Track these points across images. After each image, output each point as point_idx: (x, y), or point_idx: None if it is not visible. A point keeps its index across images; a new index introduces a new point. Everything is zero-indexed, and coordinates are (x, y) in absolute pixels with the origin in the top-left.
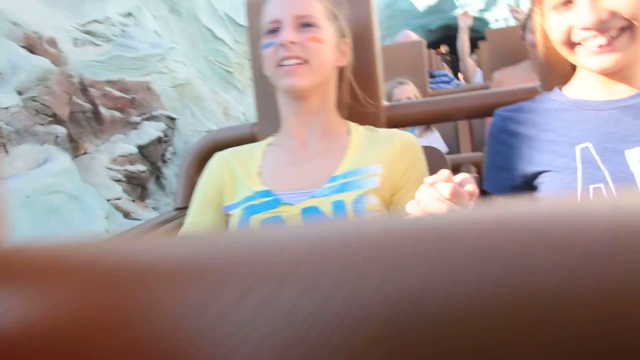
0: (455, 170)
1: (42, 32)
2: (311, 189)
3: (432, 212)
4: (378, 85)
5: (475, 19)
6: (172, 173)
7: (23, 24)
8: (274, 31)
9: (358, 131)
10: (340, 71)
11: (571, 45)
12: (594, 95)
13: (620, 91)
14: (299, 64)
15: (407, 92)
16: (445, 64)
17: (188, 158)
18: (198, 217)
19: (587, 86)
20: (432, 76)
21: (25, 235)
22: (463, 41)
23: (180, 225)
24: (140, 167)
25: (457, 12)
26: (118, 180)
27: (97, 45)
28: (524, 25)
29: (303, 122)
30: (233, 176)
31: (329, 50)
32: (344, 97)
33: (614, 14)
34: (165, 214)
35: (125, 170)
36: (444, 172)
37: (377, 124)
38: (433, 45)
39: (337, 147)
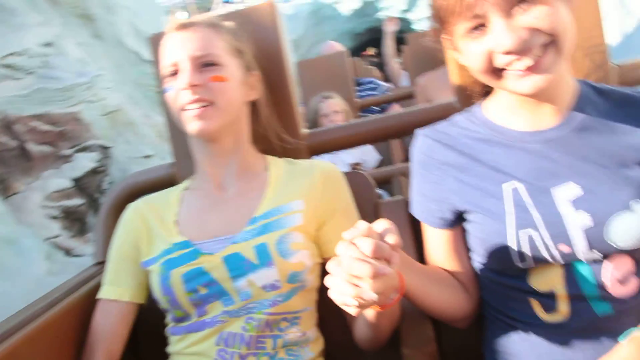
0: (387, 182)
1: None
2: (231, 234)
3: (355, 274)
4: (295, 113)
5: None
6: None
7: None
8: (173, 74)
9: (277, 166)
10: (253, 105)
11: (495, 72)
12: (518, 123)
13: (546, 117)
14: (204, 106)
15: (333, 105)
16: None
17: (105, 207)
18: (116, 276)
19: (509, 110)
20: (358, 84)
21: None
22: (388, 46)
23: (101, 283)
24: (77, 201)
25: (382, 14)
26: (55, 217)
27: (18, 79)
28: None
29: (217, 164)
30: (148, 228)
31: (235, 87)
32: (260, 130)
33: (534, 31)
34: (85, 271)
35: (62, 205)
36: (363, 226)
37: (299, 154)
38: (361, 47)
39: (255, 186)
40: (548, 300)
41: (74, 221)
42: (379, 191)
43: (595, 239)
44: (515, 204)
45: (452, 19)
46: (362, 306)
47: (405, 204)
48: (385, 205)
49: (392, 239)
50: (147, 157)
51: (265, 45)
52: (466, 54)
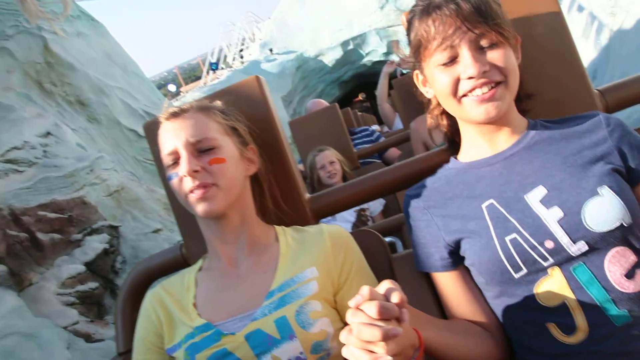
0: (398, 230)
1: None
2: (250, 310)
3: (366, 339)
4: (295, 179)
5: (381, 62)
6: None
7: None
8: (174, 162)
9: (286, 235)
10: (254, 177)
11: (458, 97)
12: (482, 153)
13: (503, 141)
14: (207, 188)
15: (328, 157)
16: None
17: (121, 296)
18: None
19: (473, 146)
20: (352, 134)
21: None
22: (382, 86)
23: None
24: (91, 285)
25: (365, 60)
26: (71, 304)
27: (21, 171)
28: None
29: (227, 240)
30: (169, 314)
31: (235, 165)
32: (265, 201)
33: (493, 67)
34: None
35: (77, 291)
36: (365, 290)
37: (304, 219)
38: (350, 95)
39: (267, 259)
40: (563, 317)
41: (91, 305)
42: (391, 239)
43: (573, 227)
44: (494, 217)
45: (430, 46)
46: None
47: None
48: (398, 260)
49: (397, 297)
50: (156, 231)
51: (257, 118)
52: (436, 81)
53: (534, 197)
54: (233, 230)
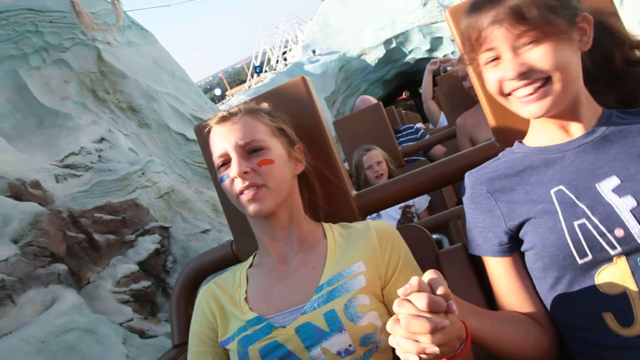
0: (444, 227)
1: (24, 177)
2: (300, 304)
3: (413, 331)
4: (342, 177)
5: (424, 60)
6: None
7: (5, 174)
8: (225, 163)
9: (333, 232)
10: (302, 176)
11: (504, 96)
12: (553, 139)
13: (575, 130)
14: (257, 189)
15: (375, 156)
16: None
17: (175, 292)
18: (198, 358)
19: (544, 132)
20: (397, 132)
21: None
22: (426, 83)
23: None
24: (144, 283)
25: (409, 58)
26: (126, 302)
27: (78, 176)
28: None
29: (277, 238)
30: (222, 309)
31: (283, 166)
32: (313, 199)
33: (532, 67)
34: (164, 356)
35: (131, 289)
36: (415, 281)
37: (351, 215)
38: (393, 94)
39: (316, 255)
40: (622, 307)
41: (144, 303)
42: (437, 236)
43: None
44: (562, 202)
45: (476, 45)
46: None
47: (465, 249)
48: (445, 255)
49: (442, 289)
50: (205, 231)
51: (304, 117)
52: (485, 79)
53: (606, 186)
54: (282, 228)
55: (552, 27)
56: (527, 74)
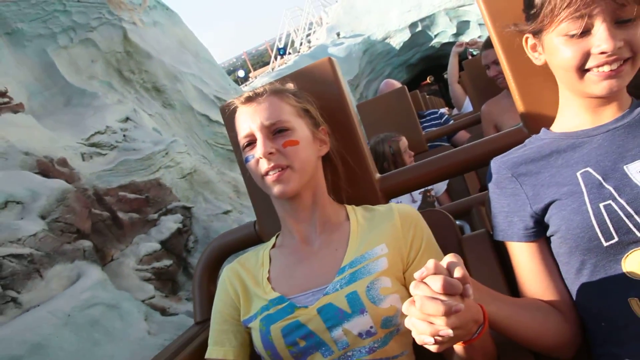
0: (467, 213)
1: (52, 155)
2: (322, 286)
3: (428, 312)
4: (366, 160)
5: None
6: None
7: (34, 151)
8: (250, 144)
9: (356, 214)
10: (326, 157)
11: (582, 71)
12: (582, 124)
13: (607, 116)
14: (282, 170)
15: (406, 141)
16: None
17: (199, 270)
18: (220, 336)
19: (574, 117)
20: (421, 117)
21: (72, 353)
22: (452, 66)
23: (204, 342)
24: (166, 262)
25: (434, 42)
26: (148, 279)
27: (104, 154)
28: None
29: (300, 219)
30: (245, 288)
31: (308, 147)
32: (336, 181)
33: (626, 44)
34: (187, 332)
35: (153, 267)
36: (431, 264)
37: (374, 198)
38: (417, 78)
39: (339, 237)
40: None
41: (166, 281)
42: (459, 222)
43: None
44: (588, 184)
45: (561, 13)
46: (441, 343)
47: (489, 235)
48: (468, 240)
49: (459, 272)
50: (226, 212)
51: (329, 99)
52: (559, 52)
53: (635, 168)
54: (306, 209)
55: None
56: (620, 50)
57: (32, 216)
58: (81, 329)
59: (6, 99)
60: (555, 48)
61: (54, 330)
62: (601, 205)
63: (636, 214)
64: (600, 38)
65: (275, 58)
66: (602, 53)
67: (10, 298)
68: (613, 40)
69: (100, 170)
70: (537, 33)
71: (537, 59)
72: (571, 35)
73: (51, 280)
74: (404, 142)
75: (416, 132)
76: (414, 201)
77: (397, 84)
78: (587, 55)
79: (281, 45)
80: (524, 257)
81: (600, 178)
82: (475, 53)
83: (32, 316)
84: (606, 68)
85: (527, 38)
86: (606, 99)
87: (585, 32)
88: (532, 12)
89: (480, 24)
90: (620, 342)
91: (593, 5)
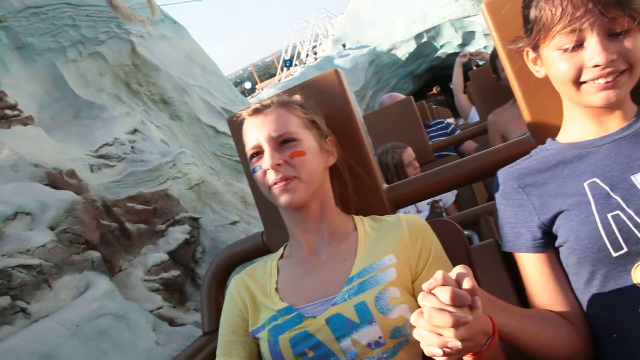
0: (475, 223)
1: (61, 167)
2: (331, 296)
3: (436, 324)
4: (373, 170)
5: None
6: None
7: (43, 163)
8: (257, 155)
9: (364, 225)
10: (333, 168)
11: (578, 84)
12: (588, 135)
13: (612, 125)
14: (289, 181)
15: (412, 154)
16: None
17: (207, 280)
18: (228, 347)
19: (579, 127)
20: (427, 127)
21: None
22: (457, 76)
23: (212, 353)
24: (174, 272)
25: (440, 53)
26: (156, 290)
27: (112, 166)
28: (494, 67)
29: (308, 230)
30: (253, 298)
31: (315, 158)
32: (343, 191)
33: (620, 57)
34: (195, 342)
35: (161, 278)
36: (439, 275)
37: (382, 208)
38: (423, 89)
39: (346, 247)
40: None
41: (174, 292)
42: (468, 232)
43: None
44: (595, 194)
45: (554, 28)
46: (449, 355)
47: (497, 245)
48: (476, 250)
49: (468, 283)
50: (234, 223)
51: (336, 109)
52: (555, 66)
53: None
54: (313, 220)
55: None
56: (614, 63)
57: (41, 227)
58: (89, 339)
59: (16, 112)
60: (551, 61)
61: (62, 341)
62: (609, 215)
63: None
64: (593, 51)
65: (282, 70)
66: (596, 66)
67: (19, 308)
68: (605, 53)
69: (108, 181)
70: (535, 47)
71: (538, 71)
72: (565, 49)
73: (60, 290)
74: (408, 153)
75: (423, 142)
76: (418, 211)
77: (401, 97)
78: (582, 69)
79: (287, 57)
80: (532, 268)
81: (607, 188)
82: (480, 63)
83: (40, 326)
84: (601, 80)
85: (527, 52)
86: (608, 108)
87: (579, 45)
88: (529, 26)
89: (485, 35)
90: (632, 353)
91: (584, 19)
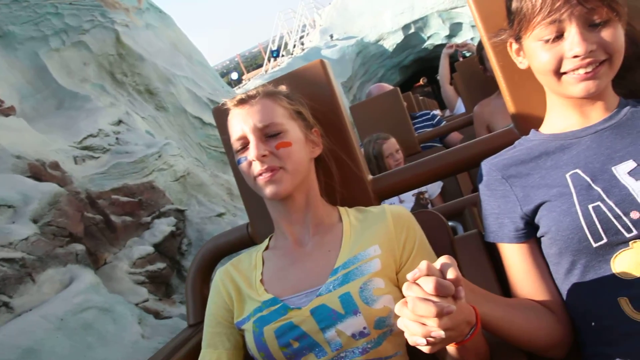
0: (459, 214)
1: (44, 158)
2: (315, 287)
3: (420, 314)
4: (358, 161)
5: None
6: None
7: (25, 155)
8: (243, 146)
9: (349, 216)
10: (318, 159)
11: (559, 74)
12: (570, 126)
13: (594, 116)
14: (274, 172)
15: (394, 145)
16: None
17: (192, 272)
18: (213, 339)
19: (562, 119)
20: (413, 118)
21: (65, 357)
22: (443, 67)
23: (197, 345)
24: (160, 265)
25: (427, 44)
26: (142, 283)
27: (96, 157)
28: (481, 57)
29: (293, 220)
30: (238, 290)
31: (300, 149)
32: (329, 182)
33: (599, 47)
34: (180, 335)
35: (147, 271)
36: (424, 265)
37: (367, 200)
38: (411, 80)
39: (331, 238)
40: (638, 290)
41: (159, 284)
42: (452, 223)
43: None
44: (577, 185)
45: (535, 19)
46: (433, 344)
47: (481, 236)
48: (460, 241)
49: (452, 273)
50: (220, 215)
51: (322, 100)
52: (536, 57)
53: (623, 169)
54: (298, 211)
55: (619, 9)
56: (593, 53)
57: (23, 220)
58: (74, 333)
59: None
60: (533, 52)
61: (46, 335)
62: (590, 206)
63: (624, 215)
64: (572, 42)
65: (269, 60)
66: (575, 57)
67: (1, 303)
68: (585, 44)
69: (92, 173)
70: (517, 38)
71: (521, 62)
72: (546, 40)
73: (43, 284)
74: (389, 144)
75: (409, 134)
76: (401, 201)
77: (389, 87)
78: (562, 59)
79: (274, 48)
80: (515, 258)
81: (589, 179)
82: (467, 55)
83: (24, 321)
84: (581, 71)
85: (510, 43)
86: (590, 99)
87: (559, 36)
88: (512, 17)
89: (472, 26)
90: (611, 341)
91: (563, 10)
